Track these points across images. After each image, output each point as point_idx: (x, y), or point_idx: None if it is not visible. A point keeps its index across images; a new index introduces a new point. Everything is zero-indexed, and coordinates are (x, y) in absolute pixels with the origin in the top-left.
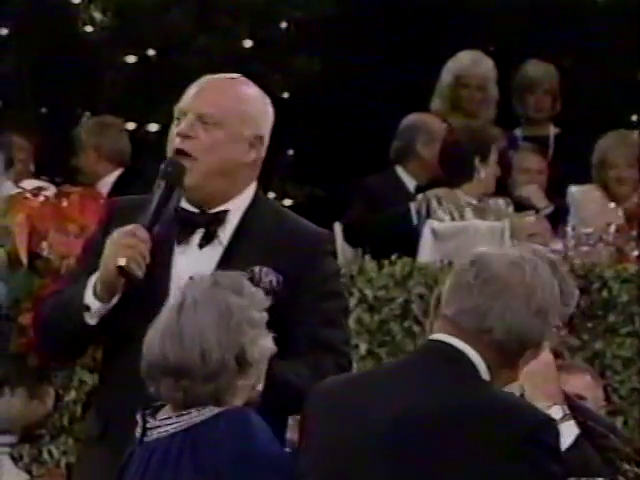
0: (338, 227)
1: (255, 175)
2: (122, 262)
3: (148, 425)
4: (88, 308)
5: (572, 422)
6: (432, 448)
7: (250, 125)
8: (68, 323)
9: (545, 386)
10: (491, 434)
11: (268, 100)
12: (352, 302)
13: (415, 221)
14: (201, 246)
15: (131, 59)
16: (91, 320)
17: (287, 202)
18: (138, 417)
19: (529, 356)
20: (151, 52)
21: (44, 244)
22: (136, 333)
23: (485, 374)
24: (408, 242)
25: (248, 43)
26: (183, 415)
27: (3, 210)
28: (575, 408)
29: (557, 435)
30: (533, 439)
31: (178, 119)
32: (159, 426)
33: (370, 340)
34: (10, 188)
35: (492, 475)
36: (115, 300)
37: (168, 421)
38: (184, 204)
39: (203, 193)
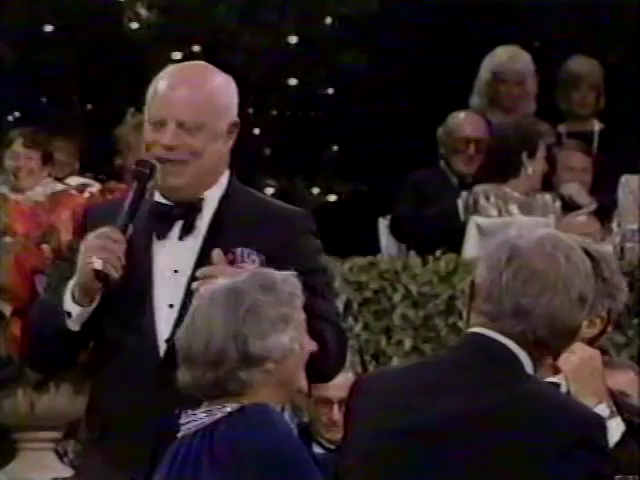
0: (382, 223)
1: (228, 162)
2: (98, 265)
3: (181, 420)
4: (69, 314)
5: (618, 419)
6: (481, 446)
7: (226, 116)
8: (50, 332)
9: (591, 383)
10: (541, 433)
11: (231, 79)
12: (396, 298)
13: (462, 217)
14: (181, 238)
15: (177, 56)
16: (74, 326)
17: (332, 198)
18: (176, 412)
19: (571, 342)
20: (197, 48)
21: None
22: (123, 332)
23: (530, 368)
24: (454, 238)
25: (293, 39)
26: (206, 412)
27: (47, 206)
28: (621, 405)
29: (606, 435)
30: (584, 440)
31: (156, 125)
32: (188, 422)
33: (415, 336)
34: (51, 185)
35: (541, 475)
36: (95, 304)
37: (193, 417)
38: (158, 198)
39: (188, 193)
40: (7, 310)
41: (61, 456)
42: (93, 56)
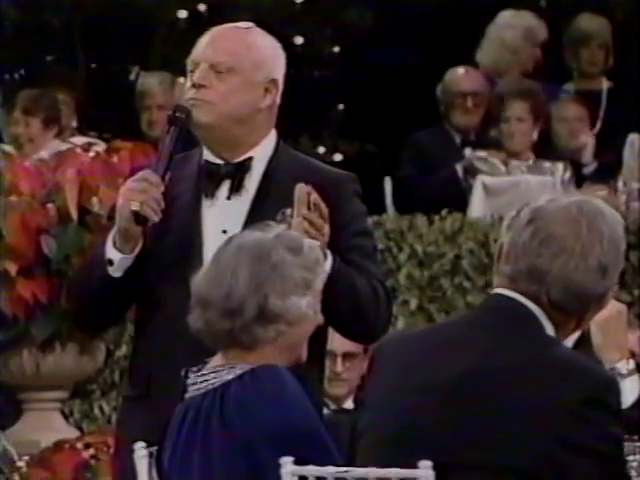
0: (388, 182)
1: (273, 122)
2: (135, 206)
3: (188, 381)
4: (111, 262)
5: (636, 377)
6: (496, 404)
7: (263, 70)
8: (94, 283)
9: (615, 337)
10: (554, 393)
11: (279, 45)
12: (402, 257)
13: (463, 183)
14: (229, 197)
15: (182, 14)
16: (115, 273)
17: (338, 157)
18: (182, 373)
19: (593, 310)
20: (202, 7)
21: (94, 200)
22: (170, 290)
23: (550, 330)
24: (460, 198)
25: None
26: (214, 372)
27: (52, 165)
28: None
29: (619, 396)
30: (595, 400)
31: (191, 71)
32: (195, 383)
33: (420, 296)
34: (56, 145)
35: (552, 433)
36: (136, 251)
37: (202, 378)
38: (208, 157)
39: (221, 137)
40: (12, 269)
41: (67, 416)
42: (99, 15)
